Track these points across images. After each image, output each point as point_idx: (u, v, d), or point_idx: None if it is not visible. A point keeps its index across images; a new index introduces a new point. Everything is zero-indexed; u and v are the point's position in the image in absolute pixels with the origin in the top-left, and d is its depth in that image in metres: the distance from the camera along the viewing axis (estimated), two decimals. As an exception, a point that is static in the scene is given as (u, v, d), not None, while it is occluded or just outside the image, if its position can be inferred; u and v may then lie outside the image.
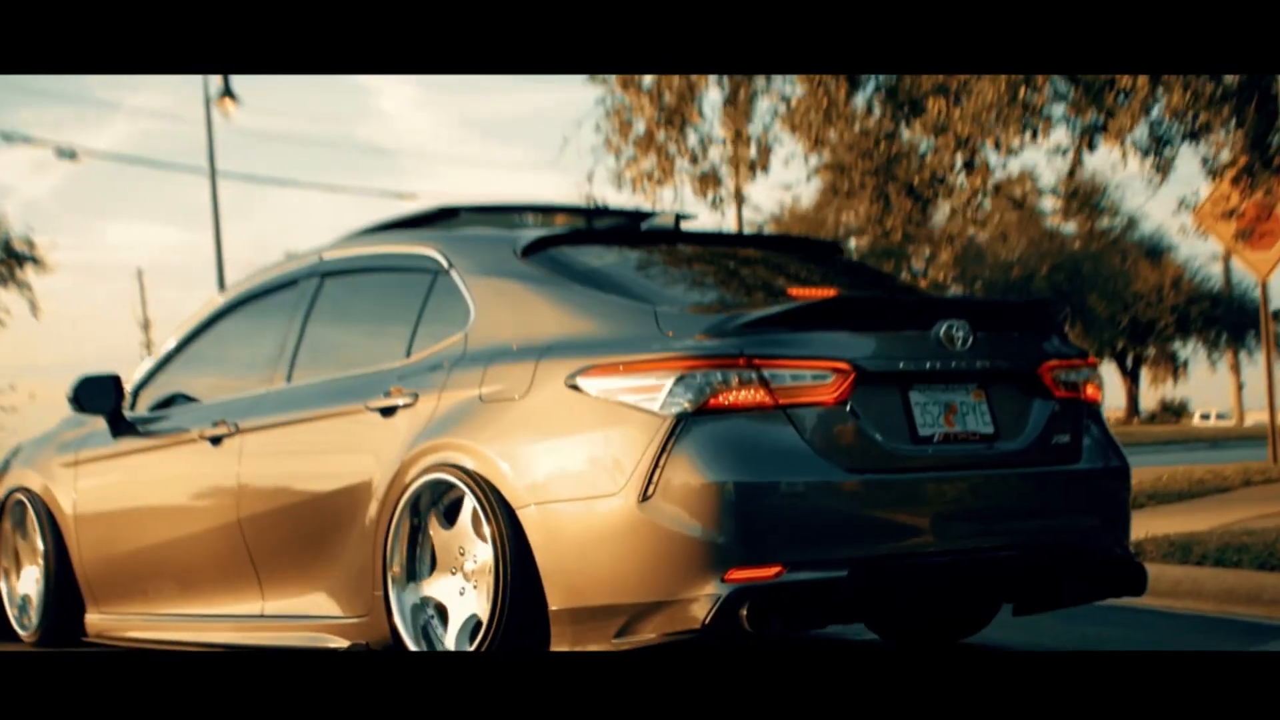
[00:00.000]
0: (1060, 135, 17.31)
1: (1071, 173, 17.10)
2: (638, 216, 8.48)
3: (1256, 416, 69.03)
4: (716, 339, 6.29)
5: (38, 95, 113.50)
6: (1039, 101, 14.59)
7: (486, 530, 6.57)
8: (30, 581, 9.43)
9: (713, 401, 6.19)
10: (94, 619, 9.08)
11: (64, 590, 9.11)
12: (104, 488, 8.99)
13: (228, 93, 41.23)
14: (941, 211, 19.47)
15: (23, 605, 9.46)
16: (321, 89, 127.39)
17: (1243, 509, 13.94)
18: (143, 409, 9.01)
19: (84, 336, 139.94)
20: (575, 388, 6.44)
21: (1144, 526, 12.27)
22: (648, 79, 17.14)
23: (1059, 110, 15.56)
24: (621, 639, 6.28)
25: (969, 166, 16.91)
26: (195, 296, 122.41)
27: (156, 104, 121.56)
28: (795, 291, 7.11)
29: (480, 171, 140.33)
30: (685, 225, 8.04)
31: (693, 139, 17.81)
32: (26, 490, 9.43)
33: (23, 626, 9.42)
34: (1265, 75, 13.65)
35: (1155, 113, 15.05)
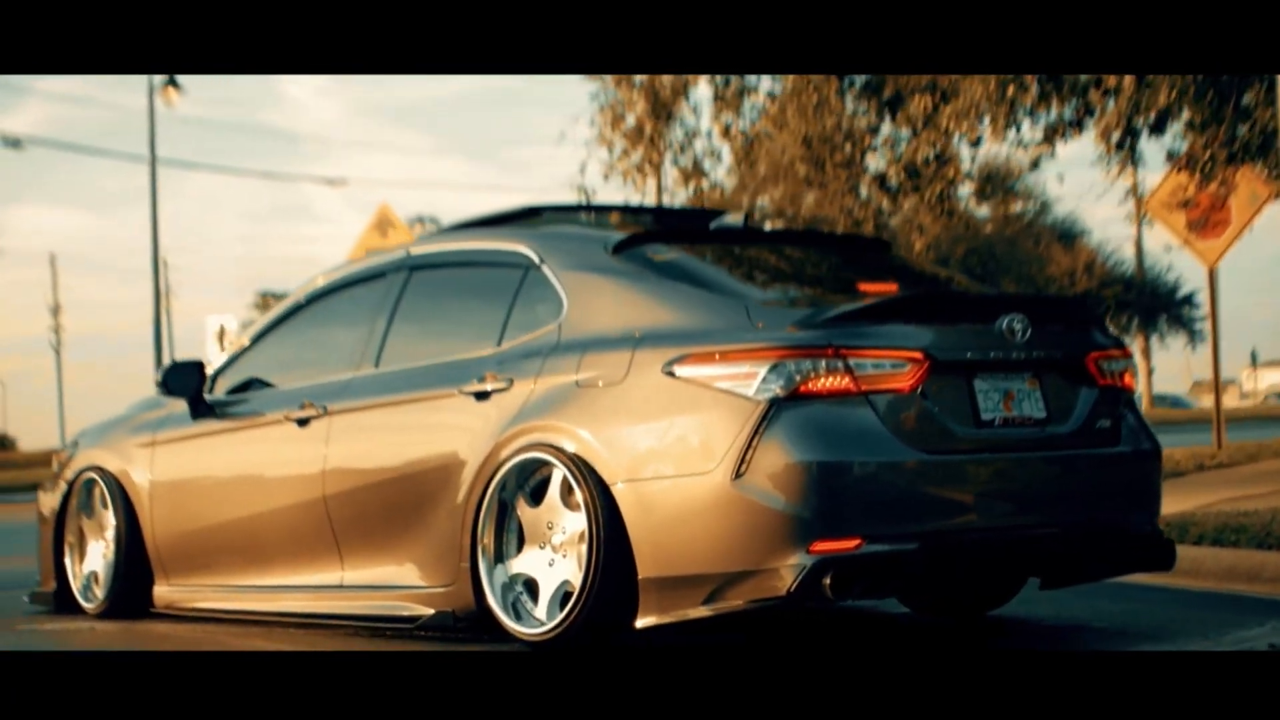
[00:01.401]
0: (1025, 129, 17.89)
1: (1035, 165, 17.74)
2: (704, 216, 9.12)
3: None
4: (806, 330, 6.85)
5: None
6: (1026, 100, 15.20)
7: (581, 502, 7.08)
8: (97, 557, 9.88)
9: (803, 388, 6.75)
10: (163, 591, 9.52)
11: (133, 564, 9.52)
12: (183, 466, 9.43)
13: (171, 82, 41.43)
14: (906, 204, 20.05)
15: (88, 580, 9.84)
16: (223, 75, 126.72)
17: (1206, 493, 14.20)
18: (221, 394, 9.46)
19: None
20: (671, 374, 6.98)
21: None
22: (640, 76, 17.69)
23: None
24: (709, 605, 6.83)
25: (940, 160, 17.55)
26: (106, 281, 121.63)
27: (67, 89, 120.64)
28: (867, 287, 7.68)
29: (385, 156, 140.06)
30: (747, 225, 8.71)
31: (679, 132, 18.42)
32: (99, 469, 9.82)
33: (88, 600, 9.80)
34: (1247, 75, 14.29)
35: (1125, 106, 15.59)
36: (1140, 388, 69.22)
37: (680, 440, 6.92)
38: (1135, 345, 72.77)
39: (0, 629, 9.43)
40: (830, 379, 6.80)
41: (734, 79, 17.50)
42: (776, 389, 6.76)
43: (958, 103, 15.55)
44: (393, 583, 8.09)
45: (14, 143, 41.66)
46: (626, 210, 9.24)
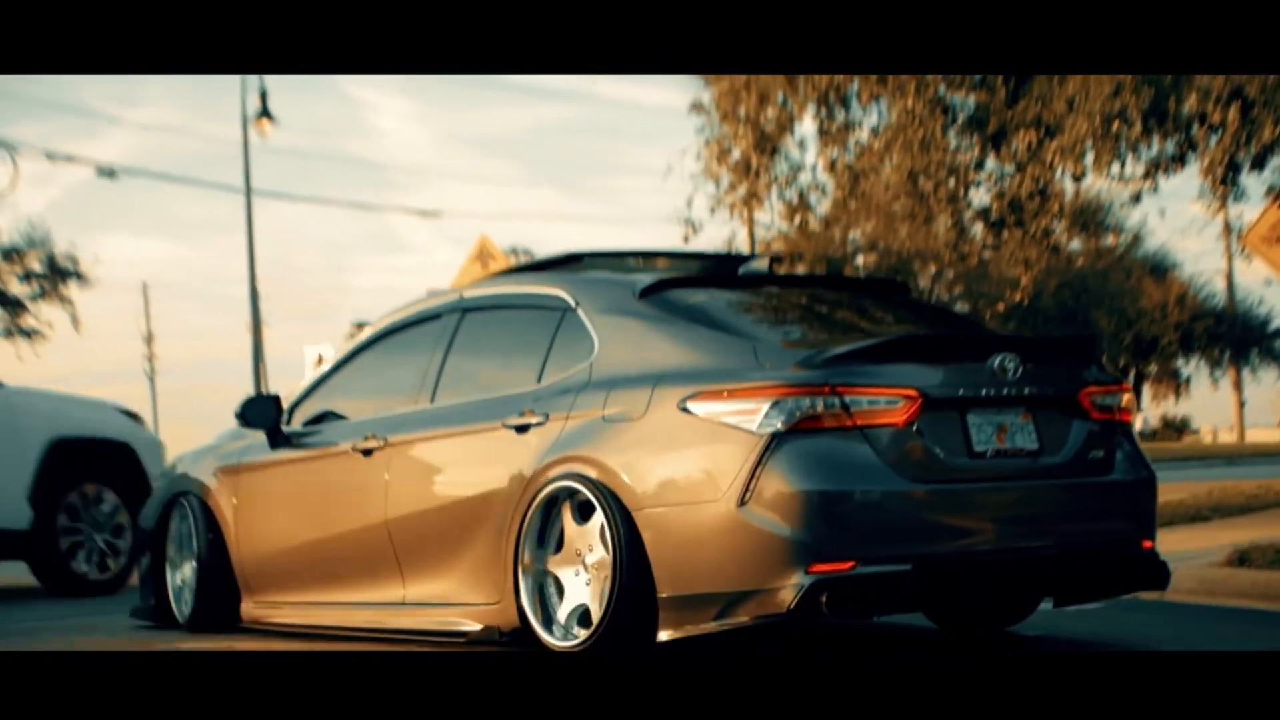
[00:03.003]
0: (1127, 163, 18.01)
1: (1136, 199, 17.89)
2: (735, 260, 9.88)
3: (1260, 434, 69.82)
4: (806, 370, 7.55)
5: (30, 105, 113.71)
6: (1130, 135, 15.38)
7: (607, 532, 7.79)
8: (190, 574, 10.64)
9: (802, 423, 7.45)
10: (248, 606, 10.38)
11: (217, 581, 10.40)
12: (263, 491, 10.29)
13: (265, 113, 41.68)
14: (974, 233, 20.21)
15: (179, 594, 10.69)
16: (313, 103, 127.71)
17: None
18: (297, 425, 10.27)
19: (87, 350, 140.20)
20: (686, 410, 7.68)
21: (1213, 538, 13.03)
22: (744, 108, 17.96)
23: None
24: (720, 621, 7.51)
25: (1042, 194, 17.74)
26: (196, 310, 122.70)
27: (157, 118, 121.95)
28: (872, 328, 8.56)
29: (474, 187, 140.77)
30: (778, 268, 9.54)
31: (784, 166, 18.69)
32: (191, 493, 10.68)
33: (180, 613, 10.65)
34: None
35: (1229, 142, 15.73)
36: (1233, 420, 68.25)
37: (693, 471, 7.61)
38: (1227, 378, 72.40)
39: (102, 640, 10.25)
40: (827, 414, 7.50)
41: (839, 113, 17.75)
42: (778, 424, 7.44)
43: (1062, 138, 15.75)
44: (447, 600, 8.83)
45: (109, 172, 42.22)
46: (665, 255, 9.89)
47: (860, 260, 64.34)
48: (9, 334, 47.09)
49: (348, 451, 9.58)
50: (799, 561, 7.32)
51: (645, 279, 8.67)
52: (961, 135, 17.88)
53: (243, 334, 43.70)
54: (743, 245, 59.36)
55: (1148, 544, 8.29)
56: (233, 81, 42.00)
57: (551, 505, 8.16)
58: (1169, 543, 13.02)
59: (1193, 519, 15.48)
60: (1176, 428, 76.76)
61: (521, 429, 8.43)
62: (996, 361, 7.86)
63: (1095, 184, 17.03)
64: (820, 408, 7.47)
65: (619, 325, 8.37)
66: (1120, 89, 15.29)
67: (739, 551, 7.44)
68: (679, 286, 8.62)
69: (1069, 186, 18.11)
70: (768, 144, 18.40)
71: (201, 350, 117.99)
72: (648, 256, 9.77)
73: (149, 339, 78.14)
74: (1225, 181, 16.25)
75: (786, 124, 18.15)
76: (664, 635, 7.64)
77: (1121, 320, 68.96)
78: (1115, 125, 15.25)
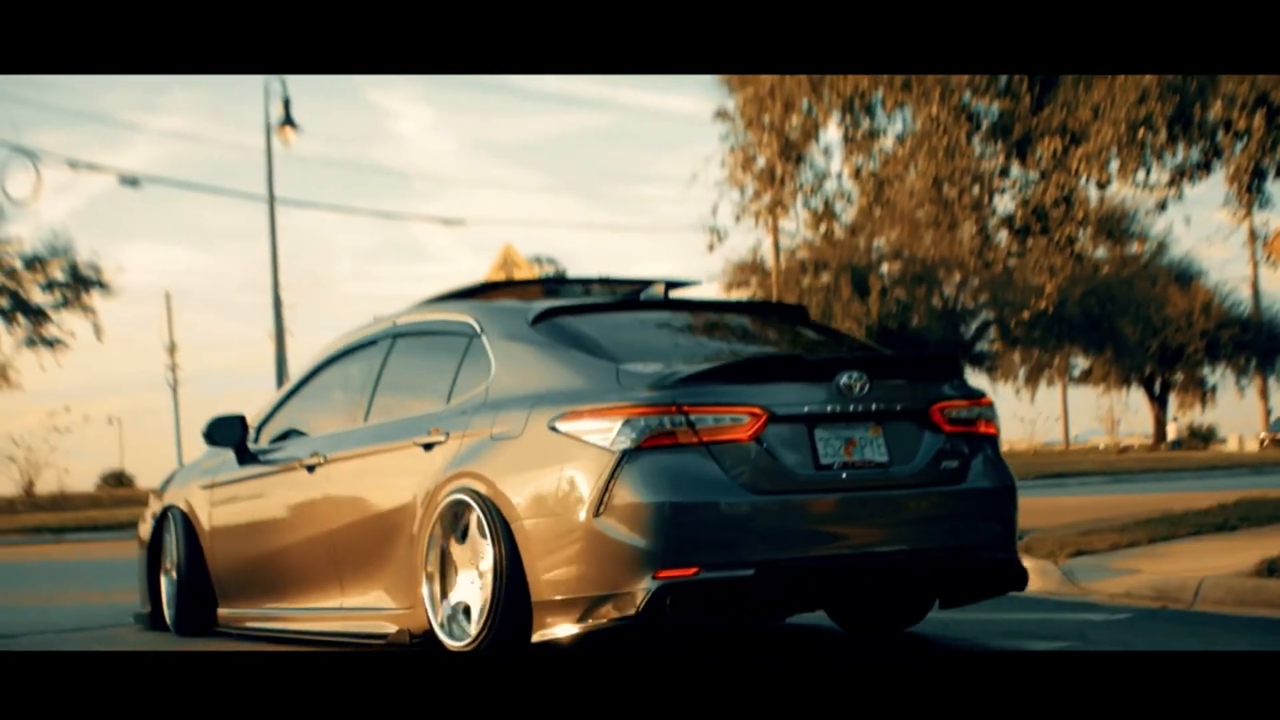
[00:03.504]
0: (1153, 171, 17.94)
1: (1162, 207, 17.80)
2: (639, 286, 10.55)
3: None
4: (657, 391, 8.21)
5: (53, 113, 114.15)
6: (1156, 142, 15.32)
7: (489, 541, 8.46)
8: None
9: (649, 440, 8.10)
10: (223, 612, 11.23)
11: (195, 589, 11.25)
12: (230, 506, 11.11)
13: (289, 121, 41.58)
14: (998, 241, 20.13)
15: (170, 599, 11.51)
16: (336, 111, 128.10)
17: None
18: (264, 442, 11.07)
19: (110, 359, 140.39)
20: (554, 429, 8.35)
21: (1247, 546, 12.96)
22: (769, 115, 17.93)
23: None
24: (581, 623, 8.14)
25: (1067, 202, 17.67)
26: (220, 318, 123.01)
27: (179, 127, 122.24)
28: (741, 350, 9.43)
29: (497, 195, 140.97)
30: (686, 292, 10.31)
31: (809, 174, 18.66)
32: (175, 507, 11.59)
33: (170, 618, 11.42)
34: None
35: (1255, 149, 15.65)
36: (1260, 428, 68.17)
37: (559, 484, 8.26)
38: (1253, 386, 72.23)
39: (103, 642, 10.95)
40: (675, 432, 8.15)
41: (864, 120, 17.71)
42: (629, 441, 8.10)
43: (1088, 145, 15.70)
44: (374, 605, 9.57)
45: (132, 181, 42.28)
46: (570, 283, 10.70)
47: (885, 268, 64.43)
48: (31, 343, 47.26)
49: (296, 468, 10.41)
50: (646, 568, 7.97)
51: (540, 306, 9.35)
52: (986, 142, 17.82)
53: (266, 343, 43.57)
54: (767, 253, 59.50)
55: (1005, 549, 8.84)
56: (255, 89, 42.14)
57: (450, 517, 8.82)
58: (1196, 552, 13.00)
59: (1219, 528, 15.38)
60: (1203, 436, 76.50)
61: (428, 446, 9.15)
62: (843, 379, 8.45)
63: (1120, 191, 16.87)
64: (668, 425, 8.11)
65: (512, 350, 9.06)
66: (1145, 96, 15.24)
67: (596, 559, 8.11)
68: (570, 314, 9.29)
69: (1094, 194, 18.00)
70: (792, 151, 18.37)
71: (225, 360, 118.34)
72: (559, 283, 10.71)
73: (171, 349, 78.24)
74: (1250, 189, 16.17)
75: (811, 131, 18.12)
76: (536, 637, 8.29)
77: (1147, 328, 68.91)
78: (1141, 133, 15.19)
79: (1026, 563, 12.41)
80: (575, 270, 64.66)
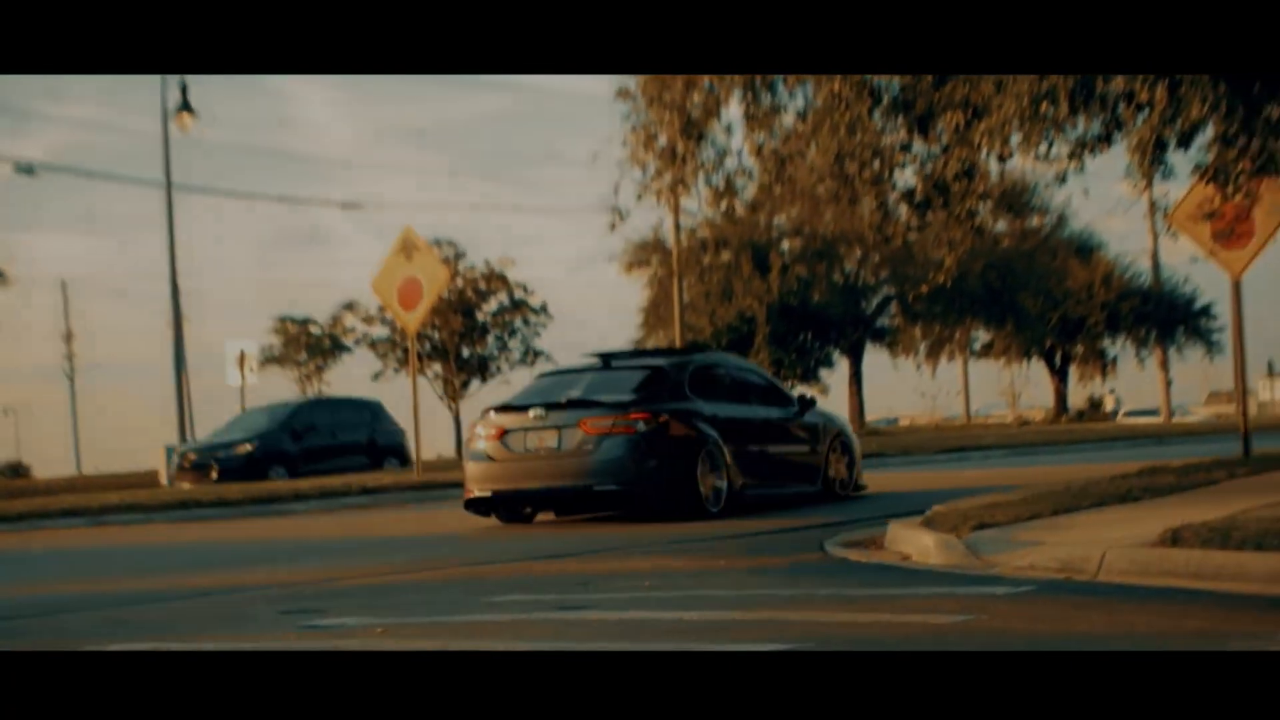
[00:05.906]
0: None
1: (1062, 179, 17.87)
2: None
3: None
4: (488, 413, 20.03)
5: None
6: (1059, 115, 15.35)
7: None
8: None
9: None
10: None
11: None
12: None
13: (186, 107, 41.29)
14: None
15: None
16: (239, 97, 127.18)
17: (1245, 499, 14.40)
18: None
19: (3, 349, 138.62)
20: None
21: (1149, 516, 13.01)
22: (670, 94, 17.90)
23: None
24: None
25: (968, 175, 17.71)
26: (119, 307, 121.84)
27: (78, 114, 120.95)
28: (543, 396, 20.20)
29: (401, 179, 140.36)
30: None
31: (710, 152, 18.64)
32: None
33: None
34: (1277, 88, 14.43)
35: (1156, 121, 15.69)
36: (1160, 400, 68.65)
37: None
38: (1153, 358, 72.84)
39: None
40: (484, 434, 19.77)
41: (766, 98, 17.70)
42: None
43: (990, 119, 15.71)
44: None
45: (27, 169, 41.83)
46: None
47: (786, 245, 64.57)
48: (-75, 332, 46.61)
49: None
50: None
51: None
52: (887, 117, 17.83)
53: (165, 331, 43.24)
54: (668, 232, 59.48)
55: (598, 487, 18.70)
56: (155, 76, 41.60)
57: None
58: (1099, 523, 13.02)
59: (1122, 499, 15.44)
60: (1096, 406, 77.00)
61: None
62: (532, 411, 19.10)
63: (1021, 164, 16.90)
64: (481, 430, 19.58)
65: None
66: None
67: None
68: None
69: (995, 167, 18.05)
70: (694, 129, 18.36)
71: (123, 349, 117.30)
72: None
73: (68, 337, 77.65)
74: (1153, 160, 16.22)
75: (713, 109, 18.12)
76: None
77: (1047, 301, 69.29)
78: (1043, 106, 15.22)
79: (929, 538, 12.54)
80: (473, 253, 64.65)
